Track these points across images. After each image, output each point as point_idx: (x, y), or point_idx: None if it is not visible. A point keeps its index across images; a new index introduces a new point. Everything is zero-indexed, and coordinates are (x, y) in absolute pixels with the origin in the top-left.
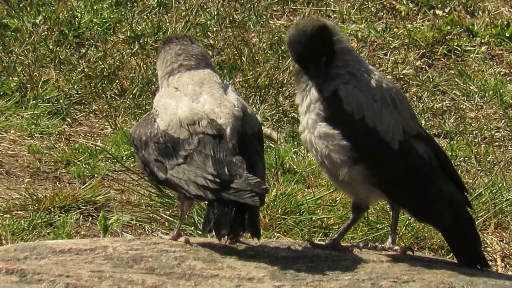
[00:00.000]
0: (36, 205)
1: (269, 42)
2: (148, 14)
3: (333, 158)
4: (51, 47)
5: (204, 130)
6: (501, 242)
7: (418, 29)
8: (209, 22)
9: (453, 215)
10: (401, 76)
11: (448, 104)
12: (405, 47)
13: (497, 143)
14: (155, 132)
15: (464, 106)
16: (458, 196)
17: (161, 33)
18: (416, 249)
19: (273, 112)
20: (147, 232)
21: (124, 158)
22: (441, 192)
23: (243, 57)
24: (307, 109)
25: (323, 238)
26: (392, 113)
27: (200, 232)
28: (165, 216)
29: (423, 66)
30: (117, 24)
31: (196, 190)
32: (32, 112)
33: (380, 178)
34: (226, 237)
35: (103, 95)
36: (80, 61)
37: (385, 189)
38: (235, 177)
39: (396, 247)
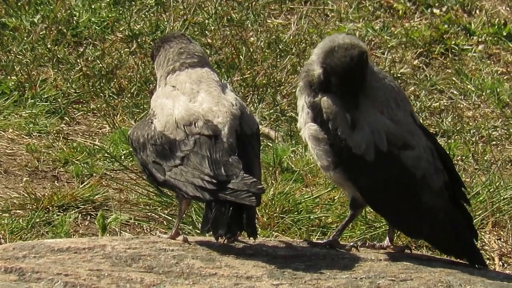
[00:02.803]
0: (35, 204)
1: (266, 41)
2: (146, 13)
3: (319, 162)
4: (49, 46)
5: (200, 130)
6: (498, 241)
7: (416, 28)
8: (207, 21)
9: (432, 227)
10: (399, 75)
11: (445, 103)
12: (403, 46)
13: (494, 142)
14: (152, 133)
15: (462, 105)
16: (441, 207)
17: (159, 32)
18: (413, 247)
19: (271, 111)
20: (145, 231)
21: (122, 157)
22: (421, 204)
23: (241, 56)
24: (302, 108)
25: (321, 237)
26: (382, 119)
27: (198, 231)
28: (163, 215)
29: (421, 65)
30: (115, 23)
31: (194, 191)
32: (30, 111)
33: (358, 184)
34: (223, 236)
35: (101, 94)
36: (78, 60)
37: (364, 196)
38: (231, 177)
39: (394, 246)
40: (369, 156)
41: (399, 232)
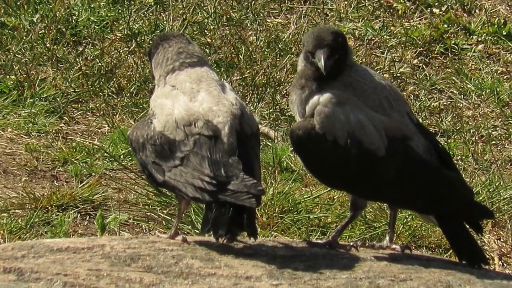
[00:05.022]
0: (34, 203)
1: (266, 41)
2: (145, 12)
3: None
4: (48, 45)
5: (200, 131)
6: (498, 241)
7: (415, 28)
8: (206, 20)
9: (459, 199)
10: (398, 75)
11: (445, 103)
12: (402, 45)
13: (494, 142)
14: (151, 134)
15: (461, 105)
16: (461, 180)
17: (158, 31)
18: (413, 247)
19: (270, 110)
20: (144, 231)
21: (122, 156)
22: (447, 180)
23: (240, 56)
24: (297, 113)
25: (320, 237)
26: (377, 116)
27: (197, 231)
28: (162, 215)
29: (420, 64)
30: (114, 22)
31: (194, 192)
32: (29, 111)
33: (368, 195)
34: (223, 237)
35: (100, 93)
36: (77, 60)
37: (379, 199)
38: (231, 178)
39: (394, 246)
40: (380, 151)
41: (398, 232)
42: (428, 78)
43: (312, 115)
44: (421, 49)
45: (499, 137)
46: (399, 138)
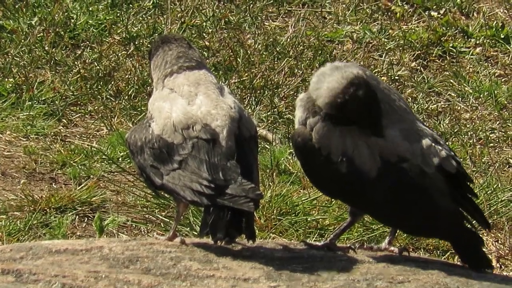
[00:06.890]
0: (32, 206)
1: (264, 44)
2: (143, 16)
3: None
4: (46, 48)
5: (198, 134)
6: (496, 243)
7: (413, 31)
8: (204, 23)
9: (446, 227)
10: (396, 78)
11: (443, 105)
12: (400, 48)
13: (492, 144)
14: (149, 137)
15: (459, 107)
16: (452, 208)
17: (156, 34)
18: (411, 250)
19: (268, 113)
20: (142, 233)
21: (120, 159)
22: (434, 207)
23: (238, 59)
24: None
25: (318, 239)
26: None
27: (195, 233)
28: (160, 217)
29: (418, 67)
30: (113, 26)
31: (192, 196)
32: (27, 113)
33: (361, 209)
34: (222, 240)
35: (99, 96)
36: (76, 63)
37: (371, 215)
38: (229, 182)
39: (392, 248)
40: (372, 173)
41: (397, 234)
42: (426, 81)
43: (312, 129)
44: (419, 52)
45: (497, 140)
46: (393, 161)
